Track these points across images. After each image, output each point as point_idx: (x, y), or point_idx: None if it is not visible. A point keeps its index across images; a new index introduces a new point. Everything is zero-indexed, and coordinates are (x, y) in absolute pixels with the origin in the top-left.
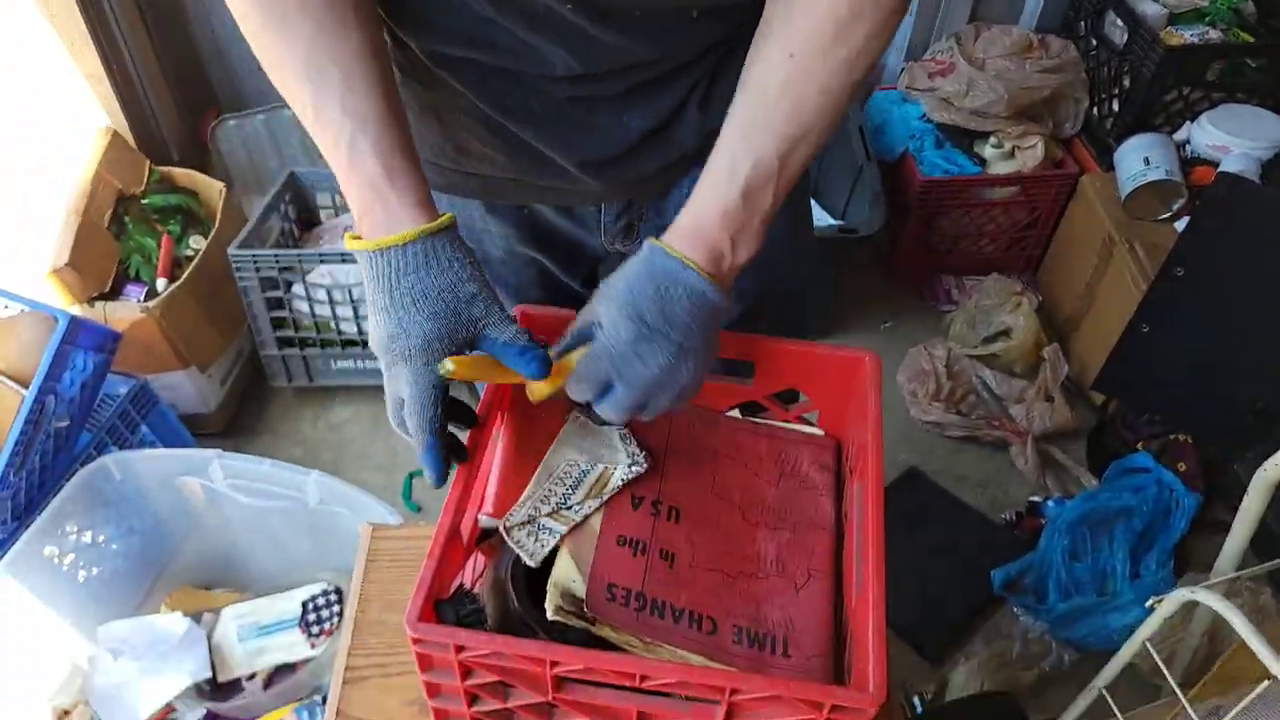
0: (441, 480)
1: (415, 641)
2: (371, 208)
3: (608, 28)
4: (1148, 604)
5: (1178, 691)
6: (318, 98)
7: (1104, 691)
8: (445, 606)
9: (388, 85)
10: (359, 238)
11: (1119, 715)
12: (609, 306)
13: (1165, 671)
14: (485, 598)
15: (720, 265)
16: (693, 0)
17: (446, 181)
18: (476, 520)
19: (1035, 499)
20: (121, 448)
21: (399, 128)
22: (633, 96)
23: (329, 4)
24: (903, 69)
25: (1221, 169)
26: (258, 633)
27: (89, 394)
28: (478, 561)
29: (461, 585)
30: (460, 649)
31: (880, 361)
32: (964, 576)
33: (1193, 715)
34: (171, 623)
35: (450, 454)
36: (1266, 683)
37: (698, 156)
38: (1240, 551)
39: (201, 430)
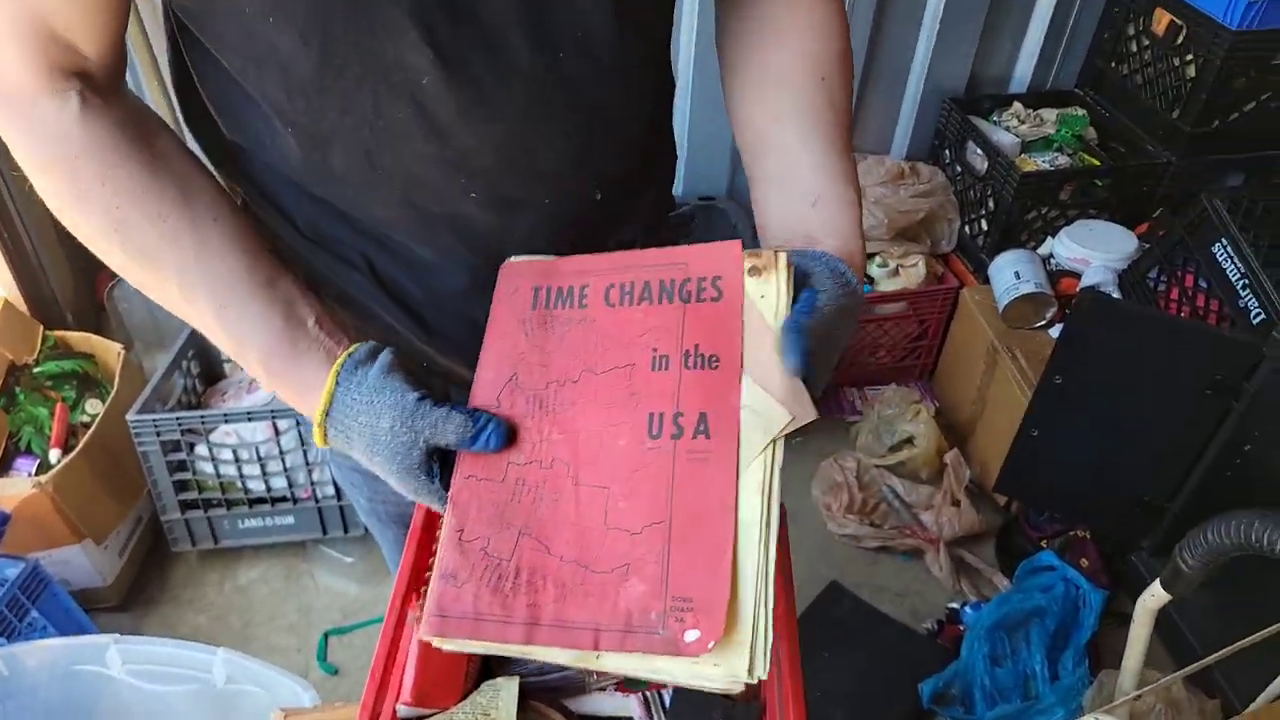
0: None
1: None
2: (281, 377)
3: (515, 219)
4: None
5: None
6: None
7: None
8: None
9: (249, 250)
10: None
11: None
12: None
13: None
14: None
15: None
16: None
17: None
18: (395, 711)
19: (954, 605)
20: (9, 638)
21: (272, 285)
22: None
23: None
24: None
25: (1084, 280)
26: None
27: None
28: None
29: None
30: None
31: (785, 513)
32: (893, 692)
33: None
34: None
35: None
36: None
37: None
38: (1136, 671)
39: (98, 605)
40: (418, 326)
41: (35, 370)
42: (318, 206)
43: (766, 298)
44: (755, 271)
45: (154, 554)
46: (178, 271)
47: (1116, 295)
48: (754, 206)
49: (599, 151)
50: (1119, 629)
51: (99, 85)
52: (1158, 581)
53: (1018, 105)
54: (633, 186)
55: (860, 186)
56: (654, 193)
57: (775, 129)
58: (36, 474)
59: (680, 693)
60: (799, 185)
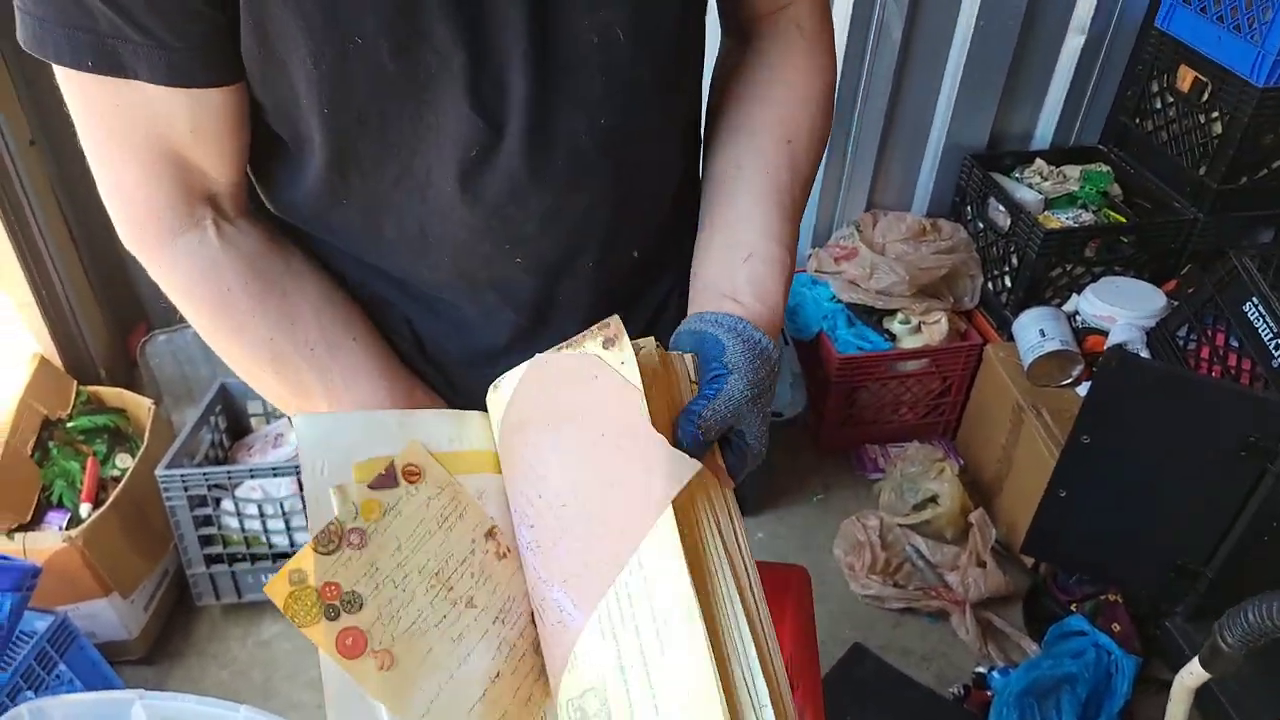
0: None
1: None
2: None
3: (559, 281)
4: None
5: None
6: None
7: None
8: None
9: (385, 369)
10: None
11: None
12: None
13: None
14: None
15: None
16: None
17: None
18: None
19: (981, 669)
20: (37, 690)
21: (410, 400)
22: None
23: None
24: (810, 254)
25: (1111, 338)
26: None
27: (3, 637)
28: None
29: None
30: None
31: (809, 577)
32: None
33: None
34: None
35: None
36: None
37: None
38: None
39: (123, 658)
40: (448, 387)
41: (68, 425)
42: (367, 271)
43: (626, 364)
44: (608, 343)
45: (179, 607)
46: (325, 399)
47: (1145, 353)
48: (695, 252)
49: (639, 211)
50: (1153, 697)
51: (227, 210)
52: (1196, 660)
53: (1040, 162)
54: (669, 240)
55: (795, 248)
56: (689, 243)
57: (731, 180)
58: (67, 528)
59: None
60: (737, 238)
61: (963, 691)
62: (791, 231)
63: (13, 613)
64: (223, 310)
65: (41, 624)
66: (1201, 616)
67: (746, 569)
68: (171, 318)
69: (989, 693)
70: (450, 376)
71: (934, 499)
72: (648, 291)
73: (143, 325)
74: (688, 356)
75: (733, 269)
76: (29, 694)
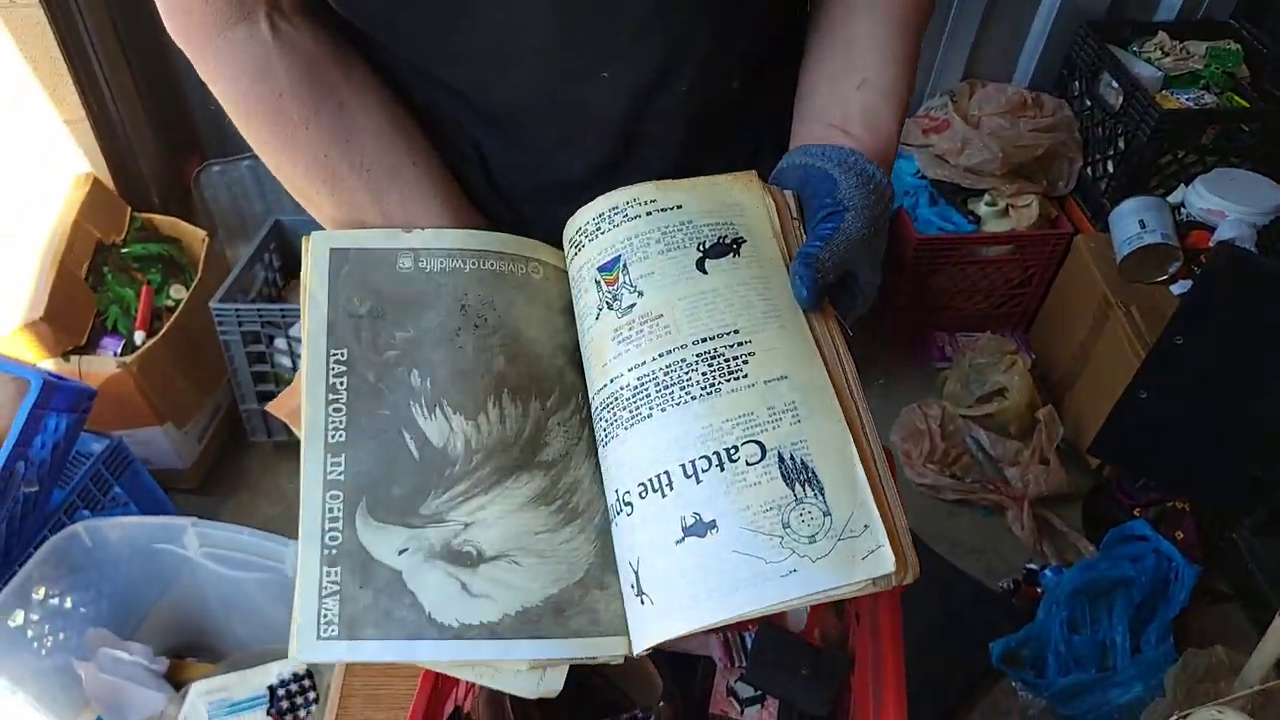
0: None
1: None
2: None
3: (649, 106)
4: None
5: None
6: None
7: None
8: None
9: (448, 195)
10: None
11: None
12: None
13: None
14: (480, 714)
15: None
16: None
17: None
18: None
19: (1032, 566)
20: (93, 509)
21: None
22: None
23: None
24: None
25: (1217, 234)
26: (228, 710)
27: (60, 455)
28: None
29: (458, 709)
30: None
31: (891, 456)
32: (961, 649)
33: None
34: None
35: None
36: None
37: None
38: (1269, 666)
39: (176, 486)
40: (515, 222)
41: (123, 251)
42: (433, 87)
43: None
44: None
45: (232, 442)
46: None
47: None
48: (801, 76)
49: (743, 31)
50: (1209, 608)
51: (283, 3)
52: None
53: (1162, 35)
54: (771, 76)
55: (914, 75)
56: (789, 86)
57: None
58: (122, 354)
59: (762, 635)
60: (851, 61)
61: (1012, 586)
62: (912, 53)
63: (69, 432)
64: (274, 119)
65: (98, 446)
66: (1270, 530)
67: (858, 408)
68: (227, 147)
69: (1039, 589)
70: (518, 210)
71: (1001, 392)
72: (740, 134)
73: (198, 154)
74: (789, 193)
75: (845, 96)
76: (85, 513)
